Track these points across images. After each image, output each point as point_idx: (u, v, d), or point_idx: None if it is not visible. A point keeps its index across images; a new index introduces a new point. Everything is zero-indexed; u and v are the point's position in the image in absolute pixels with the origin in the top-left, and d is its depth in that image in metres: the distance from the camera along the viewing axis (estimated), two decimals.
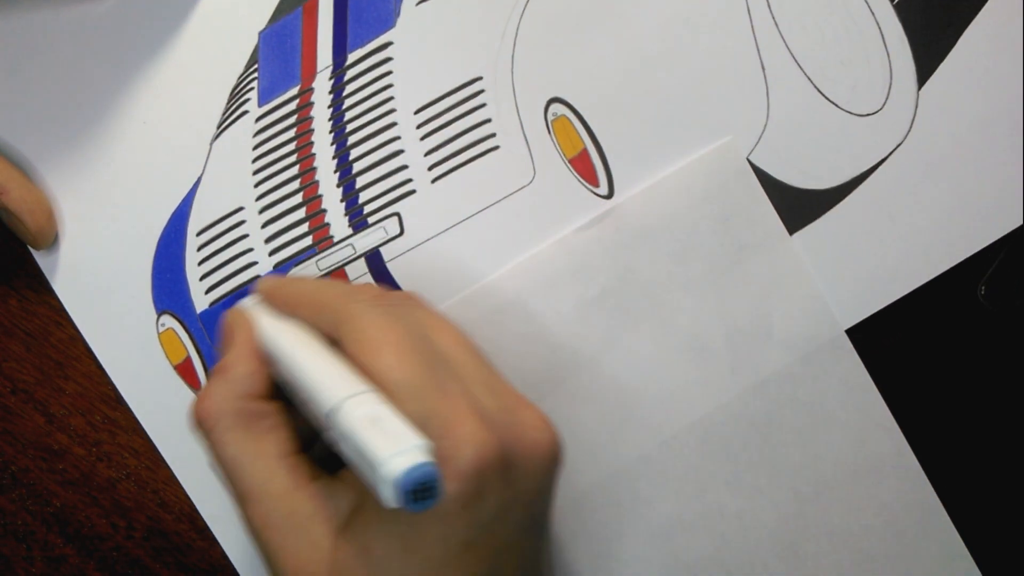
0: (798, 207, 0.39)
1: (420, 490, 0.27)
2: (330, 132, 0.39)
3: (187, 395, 0.40)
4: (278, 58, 0.39)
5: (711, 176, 0.39)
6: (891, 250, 0.39)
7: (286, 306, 0.35)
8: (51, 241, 0.40)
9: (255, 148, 0.40)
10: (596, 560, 0.40)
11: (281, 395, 0.34)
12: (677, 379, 0.39)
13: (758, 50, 0.38)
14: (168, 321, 0.40)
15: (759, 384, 0.39)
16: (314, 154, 0.39)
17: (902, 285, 0.39)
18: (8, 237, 0.40)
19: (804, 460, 0.40)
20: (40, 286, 0.41)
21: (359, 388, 0.30)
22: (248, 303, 0.37)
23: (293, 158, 0.40)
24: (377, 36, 0.39)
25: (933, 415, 0.40)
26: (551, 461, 0.33)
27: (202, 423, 0.33)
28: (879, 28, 0.38)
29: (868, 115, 0.39)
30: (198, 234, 0.40)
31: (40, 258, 0.40)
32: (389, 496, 0.27)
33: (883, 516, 0.40)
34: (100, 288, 0.40)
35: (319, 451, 0.36)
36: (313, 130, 0.40)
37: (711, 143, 0.39)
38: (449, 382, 0.32)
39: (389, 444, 0.27)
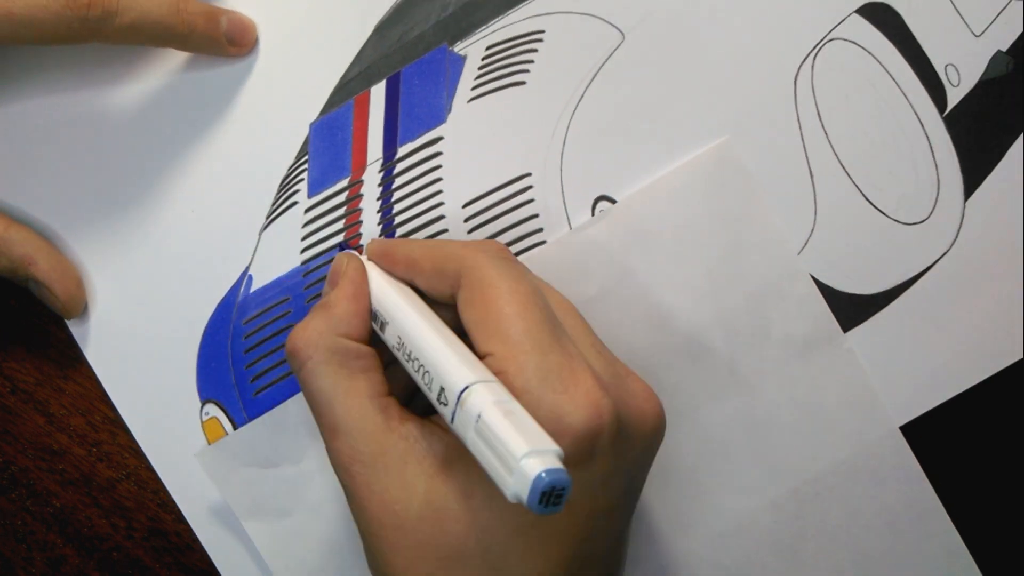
0: (843, 311, 0.39)
1: (552, 493, 0.27)
2: (378, 224, 0.40)
3: None
4: (329, 150, 0.40)
5: (708, 176, 0.39)
6: (934, 357, 0.39)
7: (403, 262, 0.35)
8: (80, 310, 0.40)
9: (304, 239, 0.40)
10: None
11: (377, 345, 0.34)
12: (675, 379, 0.39)
13: (807, 156, 0.39)
14: (212, 410, 0.40)
15: (758, 384, 0.39)
16: (362, 246, 0.40)
17: (941, 392, 0.40)
18: None
19: (804, 460, 0.40)
20: None
21: (486, 375, 0.30)
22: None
23: None
24: (428, 131, 0.39)
25: (932, 414, 0.40)
26: (657, 433, 0.33)
27: (296, 353, 0.33)
28: (928, 139, 0.39)
29: (914, 224, 0.39)
30: (245, 323, 0.40)
31: (77, 334, 0.40)
32: (520, 493, 0.27)
33: (883, 516, 0.40)
34: (143, 373, 0.40)
35: (416, 407, 0.36)
36: (362, 222, 0.40)
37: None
38: (567, 342, 0.32)
39: (526, 440, 0.27)
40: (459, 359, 0.31)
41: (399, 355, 0.33)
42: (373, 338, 0.35)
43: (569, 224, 0.39)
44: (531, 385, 0.30)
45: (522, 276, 0.33)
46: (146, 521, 0.42)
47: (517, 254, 0.39)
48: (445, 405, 0.30)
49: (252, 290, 0.40)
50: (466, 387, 0.29)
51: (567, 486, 0.27)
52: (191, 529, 0.41)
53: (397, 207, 0.40)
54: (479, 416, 0.28)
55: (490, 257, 0.33)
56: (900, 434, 0.39)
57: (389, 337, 0.34)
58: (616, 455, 0.31)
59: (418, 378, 0.32)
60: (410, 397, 0.37)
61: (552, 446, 0.28)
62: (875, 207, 0.39)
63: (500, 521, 0.31)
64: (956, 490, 0.40)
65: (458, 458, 0.32)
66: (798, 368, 0.39)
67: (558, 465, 0.27)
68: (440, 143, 0.39)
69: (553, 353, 0.31)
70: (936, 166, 0.39)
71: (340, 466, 0.33)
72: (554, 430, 0.29)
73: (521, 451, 0.27)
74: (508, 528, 0.31)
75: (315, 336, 0.33)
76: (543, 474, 0.26)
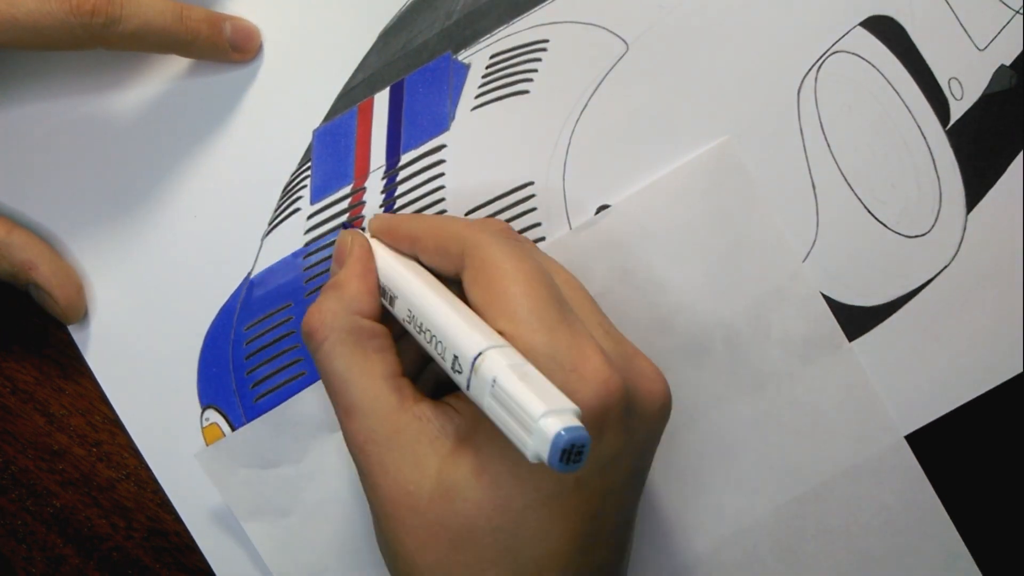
0: (844, 323, 0.39)
1: (572, 451, 0.27)
2: None
3: None
4: (332, 157, 0.40)
5: (707, 176, 0.39)
6: (935, 370, 0.40)
7: (407, 239, 0.35)
8: (80, 316, 0.40)
9: (306, 245, 0.40)
10: None
11: (388, 322, 0.34)
12: (676, 380, 0.39)
13: (809, 168, 0.39)
14: (212, 416, 0.40)
15: (758, 384, 0.40)
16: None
17: (942, 405, 0.40)
18: None
19: (804, 460, 0.40)
20: None
21: (498, 340, 0.30)
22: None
23: None
24: (431, 138, 0.39)
25: (932, 423, 0.40)
26: (664, 412, 0.34)
27: (313, 335, 0.34)
28: (931, 153, 0.39)
29: (916, 237, 0.39)
30: (246, 329, 0.40)
31: (78, 338, 0.40)
32: (540, 452, 0.27)
33: (883, 516, 0.40)
34: (144, 378, 0.40)
35: (424, 384, 0.37)
36: (364, 229, 0.40)
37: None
38: (575, 321, 0.32)
39: (544, 401, 0.27)
40: (470, 326, 0.31)
41: (410, 328, 0.33)
42: (383, 315, 0.35)
43: None
44: (539, 363, 0.30)
45: (526, 254, 0.33)
46: (146, 521, 0.42)
47: None
48: (460, 372, 0.30)
49: (254, 296, 0.40)
50: (480, 353, 0.29)
51: (587, 443, 0.27)
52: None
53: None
54: (494, 380, 0.29)
55: (493, 236, 0.33)
56: (900, 434, 0.40)
57: (399, 311, 0.34)
58: (625, 432, 0.32)
59: (431, 349, 0.32)
60: (416, 376, 0.37)
61: (569, 405, 0.28)
62: (877, 219, 0.39)
63: (511, 499, 0.31)
64: (956, 496, 0.40)
65: (470, 437, 0.32)
66: (798, 368, 0.39)
67: (576, 423, 0.27)
68: (443, 151, 0.39)
69: (561, 331, 0.31)
70: (938, 179, 0.39)
71: (355, 446, 0.33)
72: None
73: (539, 411, 0.27)
74: (519, 505, 0.31)
75: (330, 317, 0.34)
76: (563, 432, 0.26)
